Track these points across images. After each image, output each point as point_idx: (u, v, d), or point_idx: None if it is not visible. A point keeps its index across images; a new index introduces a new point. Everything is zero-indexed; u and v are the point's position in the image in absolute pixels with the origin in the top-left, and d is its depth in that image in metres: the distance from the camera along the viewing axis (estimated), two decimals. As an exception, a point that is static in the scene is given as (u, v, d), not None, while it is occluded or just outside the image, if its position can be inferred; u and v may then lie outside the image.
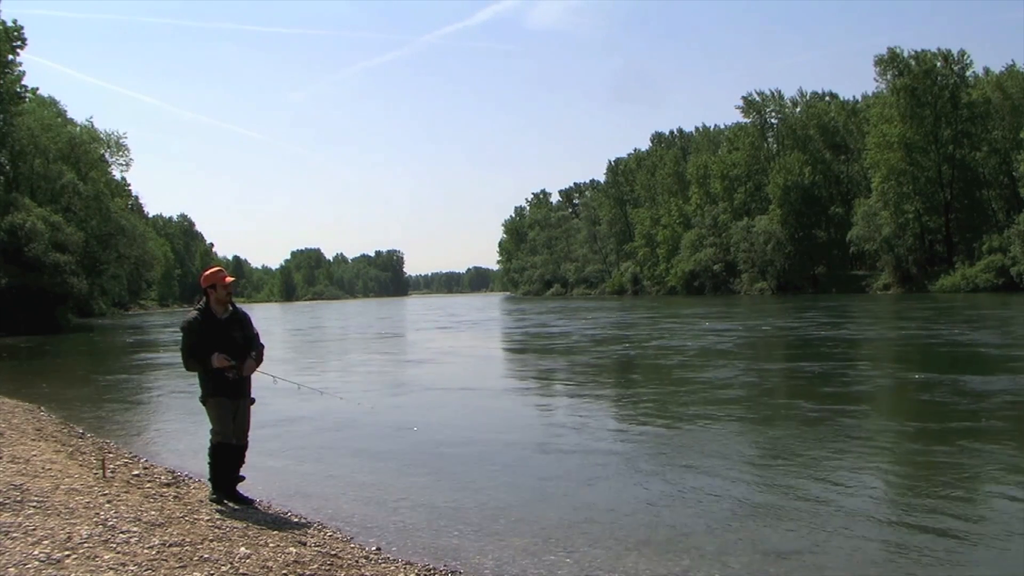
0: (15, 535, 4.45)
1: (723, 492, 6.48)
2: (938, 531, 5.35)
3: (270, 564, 4.49)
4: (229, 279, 6.12)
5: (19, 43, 40.59)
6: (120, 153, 58.09)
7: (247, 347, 6.07)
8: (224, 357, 5.83)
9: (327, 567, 4.57)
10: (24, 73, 41.98)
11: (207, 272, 6.18)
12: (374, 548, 5.19)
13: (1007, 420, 9.27)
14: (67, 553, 4.22)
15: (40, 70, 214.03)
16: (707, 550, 5.10)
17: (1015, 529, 5.36)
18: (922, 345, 19.32)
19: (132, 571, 4.06)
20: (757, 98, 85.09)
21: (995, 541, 5.17)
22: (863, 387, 12.65)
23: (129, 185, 71.69)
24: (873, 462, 7.48)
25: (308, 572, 4.44)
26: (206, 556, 4.46)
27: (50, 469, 6.64)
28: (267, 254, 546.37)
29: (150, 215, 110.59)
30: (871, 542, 5.17)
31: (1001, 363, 14.81)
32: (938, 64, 61.76)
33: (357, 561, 4.81)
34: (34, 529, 4.60)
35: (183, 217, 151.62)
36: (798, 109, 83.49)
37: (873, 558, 4.91)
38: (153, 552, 4.42)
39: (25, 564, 3.99)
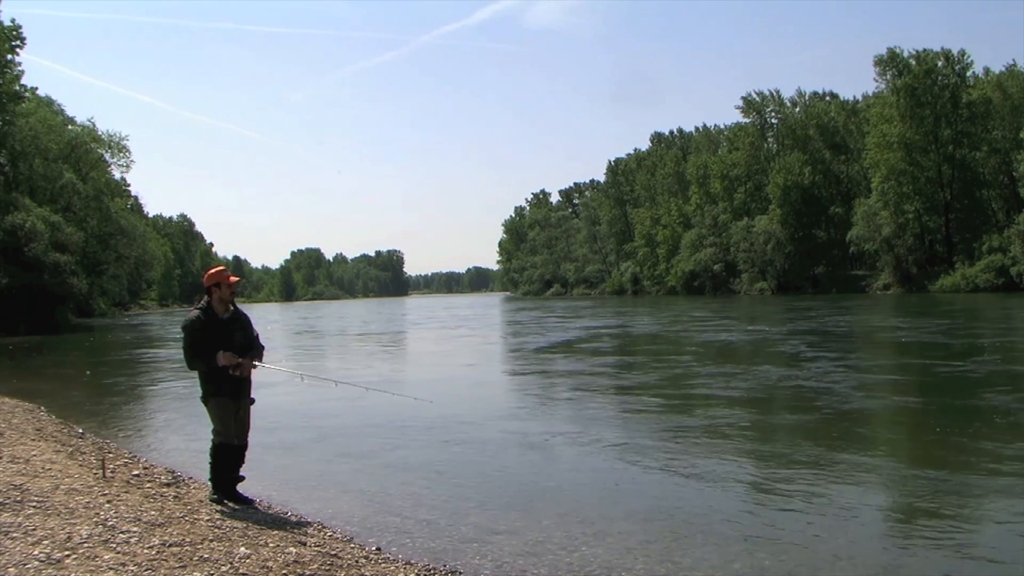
0: (15, 535, 4.44)
1: (723, 492, 6.49)
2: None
3: (270, 564, 4.49)
4: (234, 279, 6.12)
5: (18, 43, 40.61)
6: (121, 154, 58.09)
7: (248, 348, 6.08)
8: (231, 355, 5.84)
9: (327, 567, 4.57)
10: (23, 72, 42.07)
11: (211, 271, 6.18)
12: (374, 548, 5.19)
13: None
14: (67, 553, 4.21)
15: (40, 70, 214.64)
16: (707, 550, 5.10)
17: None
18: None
19: (132, 571, 4.06)
20: (757, 98, 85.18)
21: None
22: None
23: (128, 185, 71.73)
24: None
25: (308, 572, 4.44)
26: (206, 556, 4.46)
27: (50, 469, 6.63)
28: (267, 254, 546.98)
29: (150, 215, 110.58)
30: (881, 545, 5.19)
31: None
32: (938, 64, 61.79)
33: (357, 561, 4.81)
34: (34, 529, 4.60)
35: (183, 217, 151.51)
36: (798, 109, 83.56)
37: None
38: (153, 552, 4.42)
39: (25, 564, 3.99)
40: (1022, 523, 5.55)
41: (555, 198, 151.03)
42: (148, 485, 6.55)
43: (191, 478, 7.04)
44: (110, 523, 4.91)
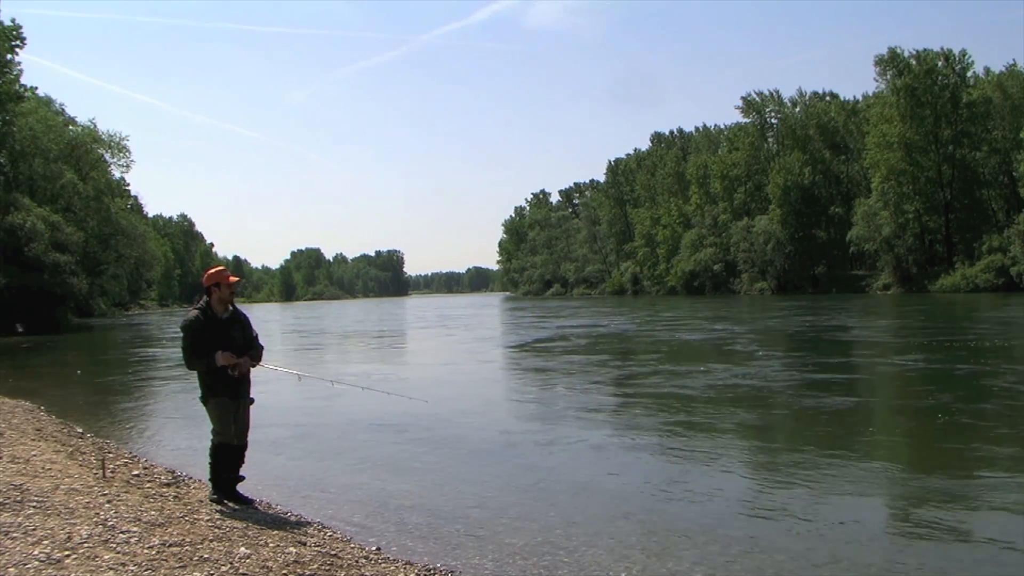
0: (15, 535, 4.44)
1: (722, 492, 6.49)
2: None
3: (270, 564, 4.49)
4: (233, 279, 6.11)
5: (18, 43, 40.57)
6: (121, 154, 58.05)
7: (247, 347, 6.07)
8: (230, 355, 5.84)
9: (327, 567, 4.57)
10: (22, 72, 42.06)
11: (210, 271, 6.16)
12: (374, 548, 5.19)
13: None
14: (67, 553, 4.21)
15: (40, 70, 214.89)
16: (708, 550, 5.10)
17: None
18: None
19: (132, 571, 4.06)
20: (757, 98, 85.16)
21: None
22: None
23: (128, 185, 71.75)
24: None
25: (308, 572, 4.44)
26: (206, 556, 4.46)
27: (50, 469, 6.63)
28: (267, 254, 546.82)
29: (150, 215, 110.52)
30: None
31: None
32: (939, 64, 61.75)
33: (357, 561, 4.81)
34: (34, 529, 4.60)
35: (183, 217, 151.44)
36: (798, 109, 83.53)
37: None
38: (153, 552, 4.42)
39: (25, 564, 3.99)
40: (1002, 520, 5.56)
41: (555, 198, 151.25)
42: (148, 485, 6.55)
43: (191, 478, 7.04)
44: (110, 523, 4.91)
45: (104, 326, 49.30)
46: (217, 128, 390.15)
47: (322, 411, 11.41)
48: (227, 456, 5.97)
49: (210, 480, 6.13)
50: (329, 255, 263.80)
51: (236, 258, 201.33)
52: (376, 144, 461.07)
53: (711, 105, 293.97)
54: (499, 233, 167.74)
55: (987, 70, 66.00)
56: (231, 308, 6.13)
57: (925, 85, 60.74)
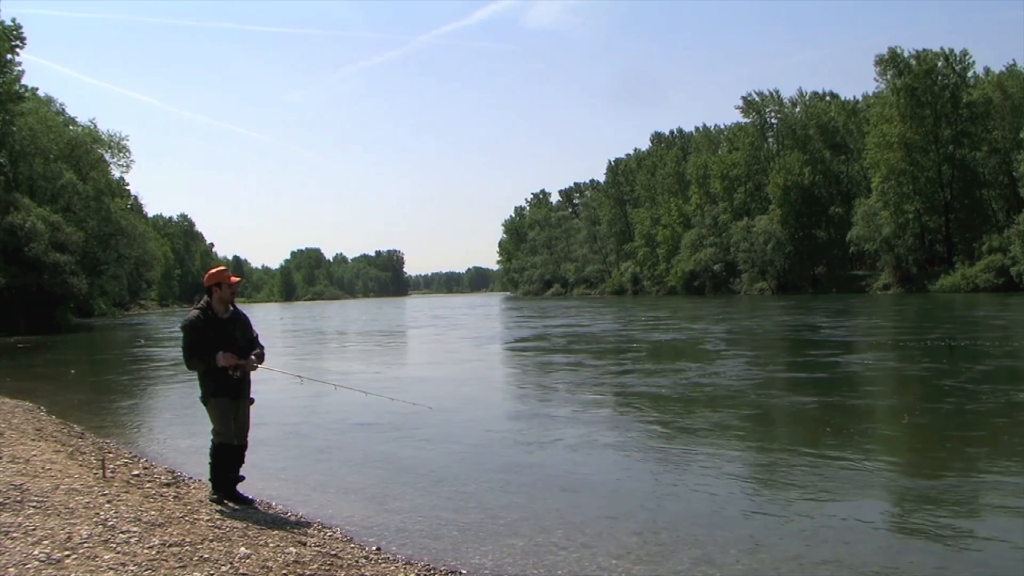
0: (15, 535, 4.44)
1: (719, 491, 6.50)
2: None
3: (270, 564, 4.49)
4: (235, 279, 6.12)
5: (18, 43, 40.53)
6: (121, 154, 58.05)
7: (248, 347, 6.08)
8: (230, 355, 5.84)
9: (327, 567, 4.57)
10: (23, 72, 42.03)
11: (211, 271, 6.17)
12: (374, 548, 5.20)
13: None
14: (67, 553, 4.22)
15: (40, 70, 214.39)
16: (707, 550, 5.10)
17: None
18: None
19: (132, 571, 4.06)
20: (757, 98, 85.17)
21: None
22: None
23: (128, 185, 71.78)
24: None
25: (308, 572, 4.44)
26: (206, 556, 4.46)
27: (50, 469, 6.64)
28: (267, 254, 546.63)
29: (150, 215, 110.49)
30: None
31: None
32: (939, 64, 61.76)
33: (357, 561, 4.81)
34: (34, 529, 4.60)
35: (183, 217, 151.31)
36: (798, 109, 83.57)
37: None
38: (153, 552, 4.42)
39: (25, 564, 3.99)
40: (997, 518, 5.56)
41: (555, 198, 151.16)
42: (148, 485, 6.55)
43: (191, 478, 7.04)
44: (110, 523, 4.92)
45: (104, 326, 49.29)
46: (217, 128, 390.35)
47: (322, 411, 11.41)
48: (227, 456, 5.98)
49: (210, 480, 6.13)
50: (329, 255, 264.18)
51: (236, 258, 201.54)
52: (376, 144, 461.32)
53: (711, 105, 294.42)
54: (499, 233, 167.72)
55: (987, 70, 66.10)
56: (232, 308, 6.14)
57: (925, 85, 60.73)
